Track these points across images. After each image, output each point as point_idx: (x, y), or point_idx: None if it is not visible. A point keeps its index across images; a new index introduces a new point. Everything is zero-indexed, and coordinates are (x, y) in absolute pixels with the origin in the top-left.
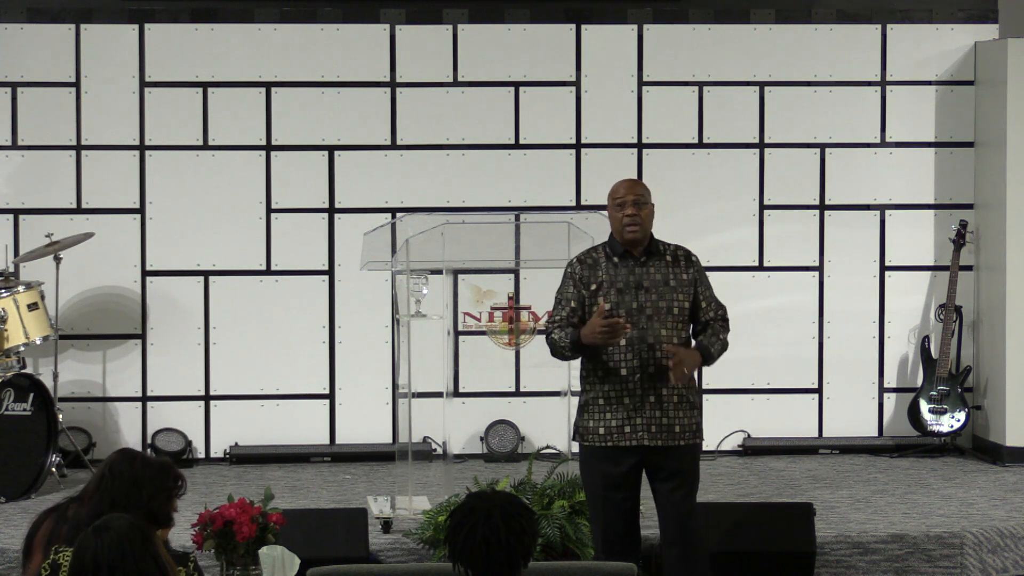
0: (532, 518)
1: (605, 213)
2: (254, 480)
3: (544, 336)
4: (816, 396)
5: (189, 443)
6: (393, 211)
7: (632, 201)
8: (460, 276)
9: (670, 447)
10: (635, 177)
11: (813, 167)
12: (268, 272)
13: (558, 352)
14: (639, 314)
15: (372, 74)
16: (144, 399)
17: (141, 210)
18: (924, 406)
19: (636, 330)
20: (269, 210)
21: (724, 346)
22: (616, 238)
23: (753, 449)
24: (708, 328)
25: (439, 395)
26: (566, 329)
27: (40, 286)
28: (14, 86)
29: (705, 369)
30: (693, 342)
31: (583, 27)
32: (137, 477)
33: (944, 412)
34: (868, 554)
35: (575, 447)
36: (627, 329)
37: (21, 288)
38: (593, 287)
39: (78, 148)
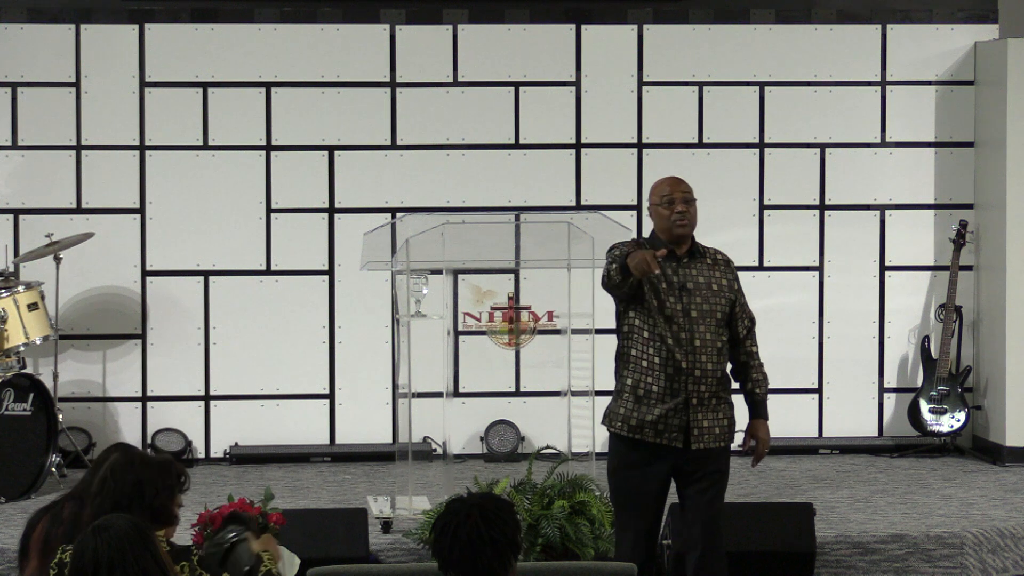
0: (511, 510)
1: (605, 213)
2: (254, 480)
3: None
4: (816, 396)
5: (189, 443)
6: (393, 211)
7: (681, 198)
8: (460, 276)
9: (710, 449)
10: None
11: (813, 167)
12: (268, 272)
13: (611, 277)
14: (684, 316)
15: (372, 74)
16: (144, 399)
17: (141, 210)
18: (924, 406)
19: (684, 332)
20: (269, 210)
21: (767, 379)
22: (662, 236)
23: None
24: (748, 368)
25: (439, 395)
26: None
27: (40, 286)
28: (14, 86)
29: None
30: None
31: (583, 27)
32: (139, 478)
33: (944, 412)
34: (868, 554)
35: (575, 447)
36: (656, 271)
37: (21, 288)
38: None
39: (78, 148)
